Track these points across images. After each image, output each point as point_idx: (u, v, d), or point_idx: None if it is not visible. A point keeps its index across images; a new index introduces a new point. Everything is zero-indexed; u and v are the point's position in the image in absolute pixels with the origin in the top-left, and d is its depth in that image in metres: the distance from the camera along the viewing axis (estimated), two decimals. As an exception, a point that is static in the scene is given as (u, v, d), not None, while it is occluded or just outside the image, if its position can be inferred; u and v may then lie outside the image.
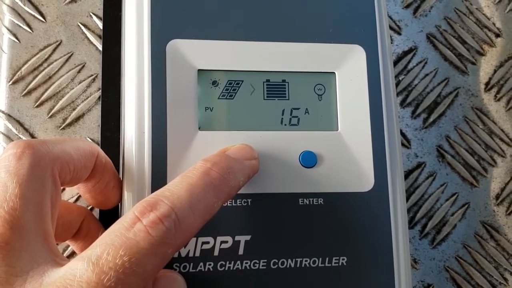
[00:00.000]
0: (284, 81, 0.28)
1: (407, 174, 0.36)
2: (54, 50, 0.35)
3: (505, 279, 0.36)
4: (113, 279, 0.17)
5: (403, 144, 0.37)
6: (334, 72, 0.28)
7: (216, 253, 0.25)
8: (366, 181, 0.27)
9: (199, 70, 0.27)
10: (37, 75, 0.35)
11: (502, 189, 0.37)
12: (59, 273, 0.18)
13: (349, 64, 0.28)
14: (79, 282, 0.17)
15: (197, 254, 0.25)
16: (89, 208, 0.31)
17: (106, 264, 0.17)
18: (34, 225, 0.19)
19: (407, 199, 0.36)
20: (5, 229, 0.19)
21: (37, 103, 0.34)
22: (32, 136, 0.34)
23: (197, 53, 0.27)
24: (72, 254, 0.32)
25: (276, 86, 0.27)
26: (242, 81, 0.27)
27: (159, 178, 0.25)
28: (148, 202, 0.20)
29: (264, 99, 0.27)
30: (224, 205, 0.25)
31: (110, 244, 0.18)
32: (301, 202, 0.26)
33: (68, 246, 0.32)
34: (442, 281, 0.35)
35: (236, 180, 0.22)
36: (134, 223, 0.19)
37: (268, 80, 0.27)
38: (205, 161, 0.22)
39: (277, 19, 0.28)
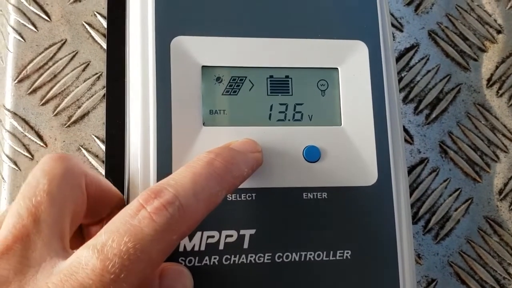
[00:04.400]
0: (287, 76, 0.28)
1: (410, 170, 0.36)
2: (59, 49, 0.35)
3: (509, 274, 0.36)
4: (117, 265, 0.17)
5: (406, 140, 0.37)
6: (337, 68, 0.28)
7: (221, 247, 0.25)
8: (369, 175, 0.27)
9: (203, 66, 0.27)
10: (42, 74, 0.35)
11: (505, 184, 0.37)
12: (66, 262, 0.18)
13: (352, 59, 0.28)
14: (85, 270, 0.17)
15: (202, 248, 0.25)
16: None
17: (110, 251, 0.18)
18: (55, 222, 0.20)
19: (410, 195, 0.36)
20: (29, 221, 0.19)
21: (43, 101, 0.35)
22: (37, 133, 0.34)
23: (201, 50, 0.27)
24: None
25: (279, 82, 0.28)
26: (246, 77, 0.27)
27: (164, 174, 0.25)
28: (152, 190, 0.20)
29: (267, 94, 0.27)
30: (228, 199, 0.25)
31: (115, 231, 0.18)
32: (305, 196, 0.26)
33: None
34: (446, 276, 0.35)
35: (240, 171, 0.23)
36: (139, 210, 0.19)
37: (271, 76, 0.28)
38: (209, 152, 0.23)
39: (280, 15, 0.28)
